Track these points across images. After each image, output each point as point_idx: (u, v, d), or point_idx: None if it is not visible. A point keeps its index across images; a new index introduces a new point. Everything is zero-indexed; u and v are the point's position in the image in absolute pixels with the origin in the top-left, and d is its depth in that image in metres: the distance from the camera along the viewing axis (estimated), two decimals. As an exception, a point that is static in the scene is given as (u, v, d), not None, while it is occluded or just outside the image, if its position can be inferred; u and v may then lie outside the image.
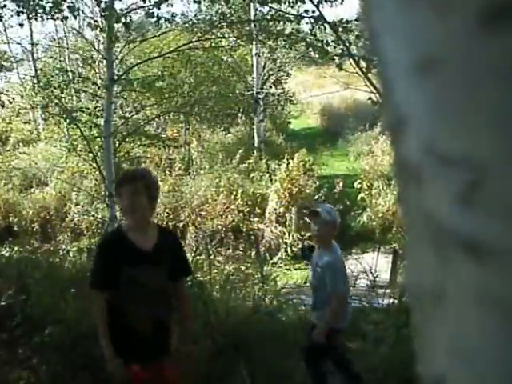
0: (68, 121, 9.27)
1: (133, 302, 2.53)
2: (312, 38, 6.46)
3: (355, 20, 6.02)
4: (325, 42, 6.38)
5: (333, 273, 3.32)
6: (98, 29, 7.67)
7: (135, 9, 7.14)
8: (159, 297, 2.58)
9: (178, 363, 2.72)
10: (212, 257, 8.24)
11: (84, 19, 11.36)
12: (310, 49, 6.69)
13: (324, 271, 3.33)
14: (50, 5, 6.47)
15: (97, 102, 9.66)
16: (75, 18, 6.93)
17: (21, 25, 7.67)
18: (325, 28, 6.22)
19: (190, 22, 10.31)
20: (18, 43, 18.19)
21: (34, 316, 3.99)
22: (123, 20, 6.26)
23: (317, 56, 7.79)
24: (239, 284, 6.41)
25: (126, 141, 9.75)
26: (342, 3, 6.87)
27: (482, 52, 0.24)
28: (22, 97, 11.58)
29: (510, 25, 0.23)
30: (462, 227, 0.26)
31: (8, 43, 18.15)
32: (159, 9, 6.44)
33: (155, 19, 6.55)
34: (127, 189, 2.49)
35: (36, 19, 7.19)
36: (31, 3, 6.53)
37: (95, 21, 8.73)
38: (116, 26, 6.55)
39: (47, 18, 7.09)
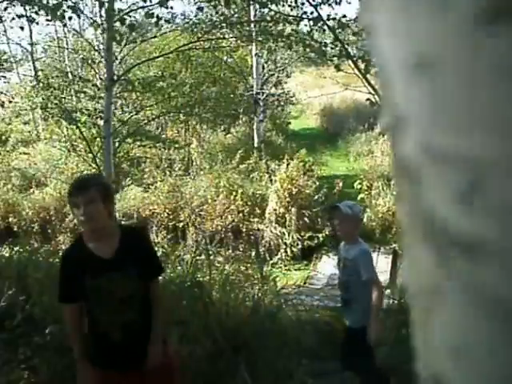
0: (68, 121, 9.27)
1: (101, 311, 2.51)
2: (310, 39, 6.48)
3: (354, 20, 6.03)
4: (323, 43, 6.40)
5: (365, 260, 3.34)
6: (99, 29, 7.67)
7: (136, 9, 7.14)
8: (128, 303, 2.52)
9: (163, 368, 2.63)
10: (212, 257, 8.23)
11: (84, 20, 11.35)
12: (308, 49, 6.71)
13: (355, 262, 3.32)
14: (53, 6, 6.48)
15: (97, 102, 9.65)
16: (78, 17, 6.97)
17: (21, 28, 7.71)
18: (324, 30, 6.24)
19: (190, 23, 10.33)
20: (18, 43, 18.19)
21: (35, 316, 3.98)
22: (127, 22, 6.26)
23: (316, 57, 7.81)
24: (239, 284, 6.40)
25: (125, 141, 9.74)
26: (339, 3, 6.89)
27: (480, 51, 0.24)
28: (21, 97, 11.60)
29: (507, 25, 0.23)
30: (461, 227, 0.26)
31: (8, 43, 18.17)
32: (167, 7, 6.44)
33: (155, 19, 6.55)
34: (82, 198, 2.39)
35: (38, 23, 7.21)
36: (34, 3, 6.55)
37: (94, 21, 8.74)
38: (118, 25, 6.55)
39: (47, 23, 7.15)
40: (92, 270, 2.46)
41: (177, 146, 13.96)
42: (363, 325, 3.33)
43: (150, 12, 6.46)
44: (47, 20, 6.83)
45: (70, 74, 11.07)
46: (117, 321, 2.52)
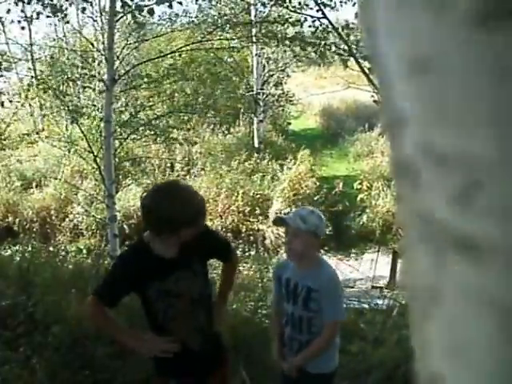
0: (70, 120, 9.27)
1: (173, 317, 2.32)
2: (314, 40, 6.48)
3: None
4: (328, 42, 6.40)
5: (337, 295, 2.54)
6: (99, 29, 7.71)
7: (150, 5, 7.15)
8: (199, 305, 2.38)
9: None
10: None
11: (83, 19, 11.35)
12: (309, 49, 6.72)
13: (322, 294, 2.46)
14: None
15: (102, 98, 9.62)
16: (87, 6, 7.09)
17: (22, 28, 7.74)
18: (328, 32, 6.25)
19: (192, 24, 10.37)
20: (20, 44, 18.17)
21: (36, 315, 3.99)
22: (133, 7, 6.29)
23: (316, 57, 7.82)
24: (239, 284, 6.40)
25: (130, 138, 9.71)
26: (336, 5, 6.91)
27: (479, 51, 0.24)
28: (20, 95, 11.59)
29: (506, 25, 0.23)
30: (460, 227, 0.26)
31: (7, 43, 18.15)
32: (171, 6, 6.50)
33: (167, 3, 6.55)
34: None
35: (38, 18, 7.25)
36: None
37: (94, 20, 8.76)
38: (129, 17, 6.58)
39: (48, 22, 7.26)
40: (158, 273, 2.26)
41: (184, 140, 13.80)
42: (332, 370, 2.65)
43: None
44: (49, 16, 6.88)
45: (71, 71, 11.05)
46: (191, 326, 2.37)
